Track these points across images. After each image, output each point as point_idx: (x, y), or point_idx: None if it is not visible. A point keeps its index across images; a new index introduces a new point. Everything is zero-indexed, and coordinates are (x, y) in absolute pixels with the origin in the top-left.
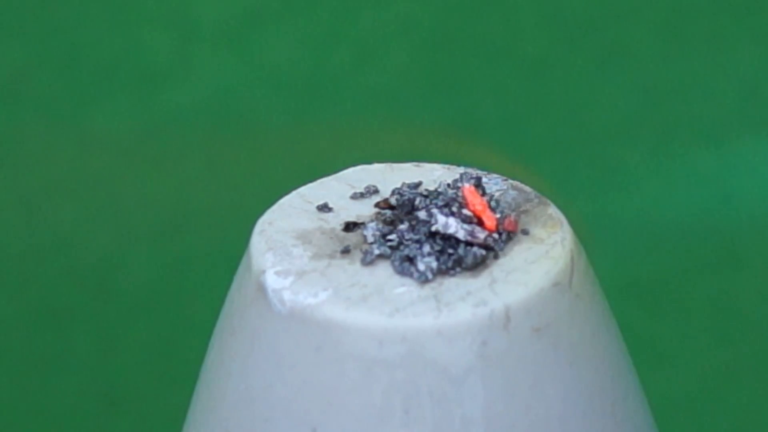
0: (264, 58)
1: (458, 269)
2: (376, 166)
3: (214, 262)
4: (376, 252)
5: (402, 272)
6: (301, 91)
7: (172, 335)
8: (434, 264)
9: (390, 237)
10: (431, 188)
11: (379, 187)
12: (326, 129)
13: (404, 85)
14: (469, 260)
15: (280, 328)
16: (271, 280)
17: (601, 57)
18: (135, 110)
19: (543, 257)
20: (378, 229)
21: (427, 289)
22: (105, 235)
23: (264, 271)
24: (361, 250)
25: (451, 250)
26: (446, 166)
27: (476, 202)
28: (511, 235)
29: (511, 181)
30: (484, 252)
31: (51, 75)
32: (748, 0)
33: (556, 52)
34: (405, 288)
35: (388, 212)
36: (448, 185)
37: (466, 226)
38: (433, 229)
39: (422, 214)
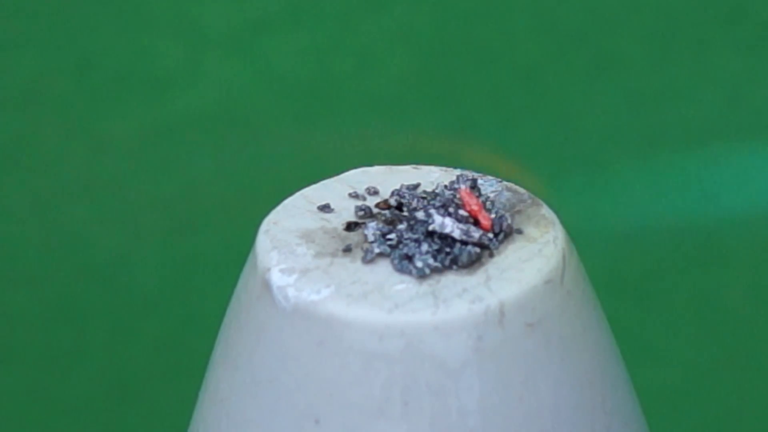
0: (269, 64)
1: (455, 267)
2: (377, 168)
3: (221, 260)
4: (377, 250)
5: (401, 270)
6: (305, 96)
7: (181, 330)
8: (432, 262)
9: (389, 236)
10: (429, 190)
11: (379, 189)
12: (329, 132)
13: (404, 90)
14: (465, 258)
15: (284, 324)
16: (276, 278)
17: (592, 64)
18: (145, 114)
19: (536, 255)
20: (378, 229)
21: (425, 286)
22: (117, 234)
23: (269, 269)
24: (362, 248)
25: (447, 249)
26: (443, 168)
27: (472, 203)
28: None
29: (505, 182)
30: (479, 250)
31: (66, 81)
32: (732, 11)
33: (549, 59)
34: (404, 285)
35: (388, 212)
36: (446, 187)
37: (461, 225)
38: (431, 228)
39: (420, 215)
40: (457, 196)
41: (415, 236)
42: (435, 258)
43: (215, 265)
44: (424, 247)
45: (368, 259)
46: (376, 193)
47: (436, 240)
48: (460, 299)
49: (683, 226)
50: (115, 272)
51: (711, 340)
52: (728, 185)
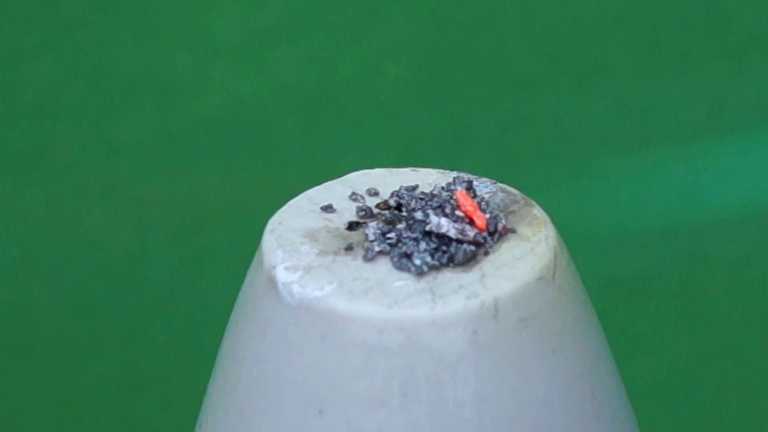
0: (275, 72)
1: (451, 265)
2: (377, 170)
3: (229, 258)
4: (377, 249)
5: (400, 267)
6: (308, 102)
7: (191, 325)
8: (429, 260)
9: (389, 235)
10: (427, 191)
11: (380, 190)
12: (331, 137)
13: (403, 97)
14: (460, 256)
15: (289, 319)
16: (281, 275)
17: (581, 72)
18: (157, 120)
19: (529, 254)
20: (378, 228)
21: (423, 283)
22: (129, 234)
23: (275, 267)
24: (363, 247)
25: (444, 248)
26: (440, 170)
27: (467, 204)
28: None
29: (499, 184)
30: (474, 249)
31: (81, 89)
32: (714, 21)
33: (541, 67)
34: (403, 282)
35: (388, 213)
36: (442, 188)
37: (457, 225)
38: (428, 228)
39: (418, 215)
40: (454, 197)
41: (414, 235)
42: (432, 256)
43: (223, 263)
44: (422, 245)
45: (369, 257)
46: (376, 194)
47: (433, 239)
48: (457, 295)
49: (668, 226)
50: (127, 270)
51: (694, 335)
52: (712, 187)
